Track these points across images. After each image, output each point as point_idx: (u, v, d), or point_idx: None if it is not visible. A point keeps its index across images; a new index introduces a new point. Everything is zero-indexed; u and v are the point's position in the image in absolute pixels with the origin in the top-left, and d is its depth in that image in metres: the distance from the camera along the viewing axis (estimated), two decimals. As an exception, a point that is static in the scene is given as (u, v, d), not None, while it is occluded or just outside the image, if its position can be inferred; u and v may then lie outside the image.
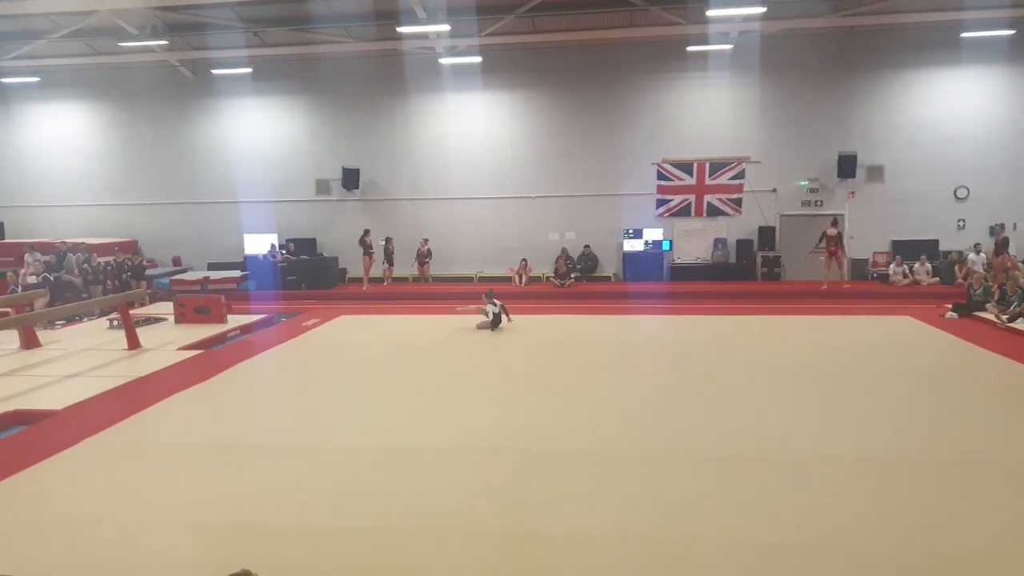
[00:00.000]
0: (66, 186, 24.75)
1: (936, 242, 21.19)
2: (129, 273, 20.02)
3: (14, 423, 8.99)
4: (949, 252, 20.52)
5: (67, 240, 21.46)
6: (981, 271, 17.60)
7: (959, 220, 21.35)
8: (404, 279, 22.82)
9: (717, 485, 6.67)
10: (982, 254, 19.33)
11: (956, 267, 19.68)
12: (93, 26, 20.59)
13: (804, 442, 7.78)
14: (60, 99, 24.51)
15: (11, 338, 13.49)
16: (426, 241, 22.40)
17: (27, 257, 19.59)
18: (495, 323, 14.71)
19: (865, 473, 6.90)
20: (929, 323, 14.76)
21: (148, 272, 21.12)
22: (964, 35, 20.24)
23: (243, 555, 5.47)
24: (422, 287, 22.02)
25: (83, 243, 21.06)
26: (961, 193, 21.27)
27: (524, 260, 21.88)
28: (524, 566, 5.35)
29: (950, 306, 15.92)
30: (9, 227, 24.53)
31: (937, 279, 20.04)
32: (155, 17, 20.69)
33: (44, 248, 20.53)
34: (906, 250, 20.74)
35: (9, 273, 19.03)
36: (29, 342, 13.23)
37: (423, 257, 22.26)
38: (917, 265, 20.31)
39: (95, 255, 20.50)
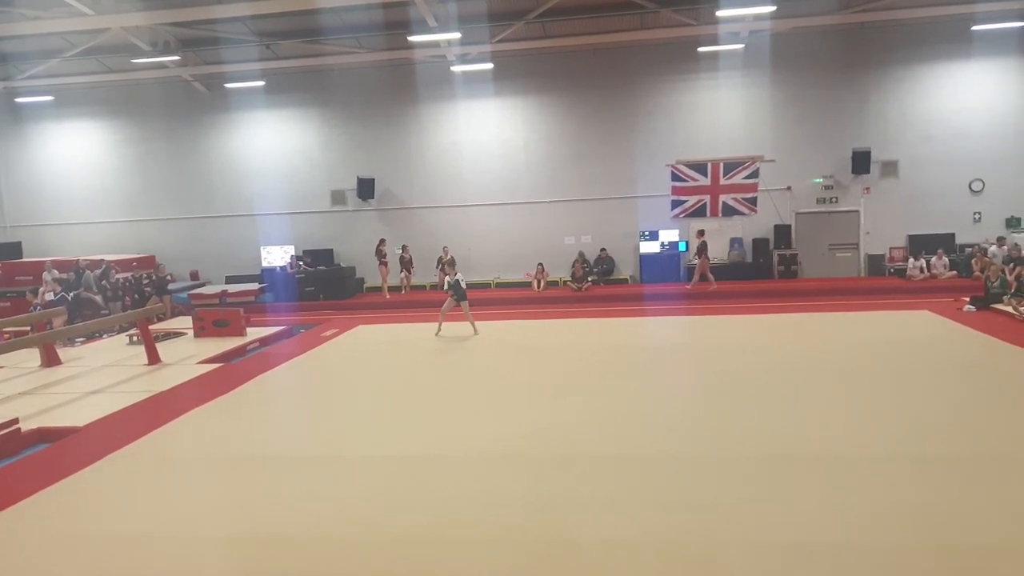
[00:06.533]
0: (82, 203, 24.92)
1: (952, 236, 21.08)
2: (150, 288, 20.13)
3: (38, 441, 9.05)
4: (967, 246, 20.45)
5: (86, 257, 21.59)
6: (999, 264, 17.48)
7: (975, 213, 21.19)
8: (422, 287, 22.83)
9: (742, 485, 6.64)
10: (1005, 247, 19.16)
11: (973, 260, 19.56)
12: (106, 44, 20.75)
13: (828, 440, 7.74)
14: (74, 117, 24.69)
15: (32, 356, 13.57)
16: (447, 250, 22.36)
17: (45, 275, 19.73)
18: (457, 294, 15.00)
19: (889, 469, 6.86)
20: (947, 317, 14.71)
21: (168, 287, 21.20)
22: (975, 28, 20.10)
23: (269, 566, 5.50)
24: (440, 295, 21.87)
25: (103, 260, 21.18)
26: (976, 186, 21.12)
27: (540, 265, 21.88)
28: (554, 571, 5.34)
29: (968, 299, 15.84)
30: (27, 246, 24.70)
31: (955, 273, 19.97)
32: (167, 33, 20.81)
33: (62, 266, 20.67)
34: (923, 244, 20.68)
35: (28, 292, 19.14)
36: (50, 360, 13.31)
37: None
38: (934, 259, 20.25)
39: (115, 271, 20.63)
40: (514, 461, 7.54)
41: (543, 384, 10.85)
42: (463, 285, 15.23)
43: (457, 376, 11.93)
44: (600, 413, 9.13)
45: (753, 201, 21.33)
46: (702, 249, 20.58)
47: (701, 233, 20.86)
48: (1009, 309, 14.57)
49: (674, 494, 6.53)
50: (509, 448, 7.94)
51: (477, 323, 15.37)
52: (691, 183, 21.39)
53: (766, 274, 21.75)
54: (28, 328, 15.20)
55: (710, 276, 20.46)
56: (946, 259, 20.27)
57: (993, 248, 19.27)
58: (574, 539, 5.77)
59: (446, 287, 15.56)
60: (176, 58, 21.62)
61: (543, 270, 21.88)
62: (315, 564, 5.53)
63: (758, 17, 19.34)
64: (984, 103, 20.94)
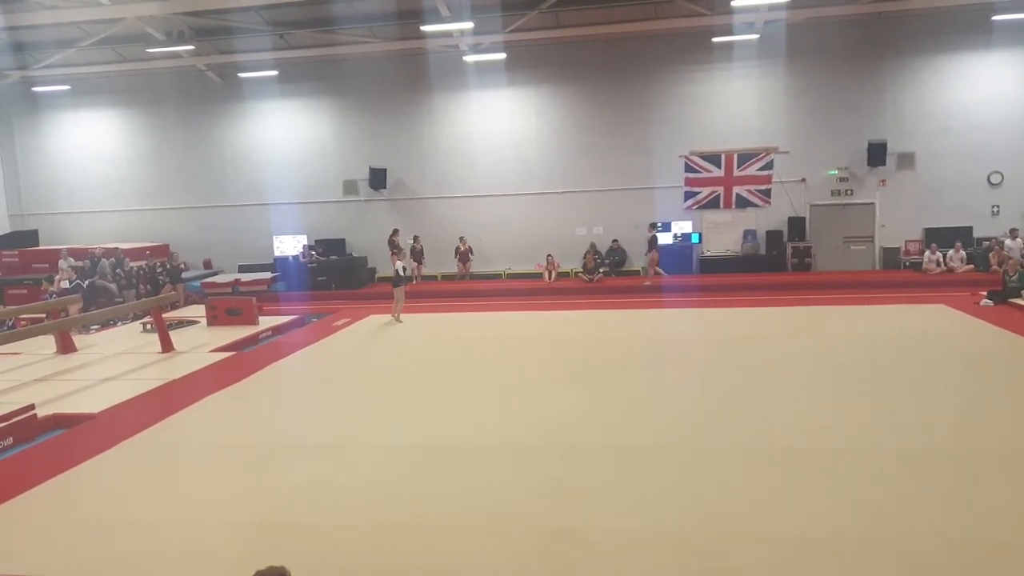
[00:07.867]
0: (97, 192, 25.01)
1: (970, 229, 20.87)
2: (164, 277, 20.20)
3: (53, 427, 9.13)
4: (986, 239, 20.23)
5: (101, 245, 21.68)
6: (1018, 257, 17.32)
7: (993, 206, 20.99)
8: (433, 277, 22.84)
9: (751, 477, 6.63)
10: (1019, 239, 18.98)
11: (991, 254, 19.39)
12: (121, 33, 20.81)
13: (838, 433, 7.71)
14: (90, 106, 24.76)
15: (47, 343, 13.65)
16: (464, 239, 22.42)
17: (61, 263, 19.84)
18: (398, 281, 16.16)
19: (900, 463, 6.83)
20: (964, 311, 14.59)
21: (181, 275, 21.27)
22: (995, 18, 19.88)
23: (279, 553, 5.48)
24: (451, 285, 21.98)
25: (117, 248, 21.27)
26: (995, 179, 20.91)
27: (549, 256, 21.79)
28: (562, 561, 5.34)
29: (985, 293, 15.73)
30: (43, 234, 24.83)
31: (972, 266, 19.75)
32: (181, 23, 20.83)
33: (77, 254, 20.76)
34: (939, 237, 20.46)
35: (44, 280, 19.25)
36: (65, 347, 13.40)
37: (464, 255, 22.33)
38: (951, 252, 20.02)
39: (127, 259, 20.72)
40: (521, 451, 7.55)
41: (552, 375, 10.85)
42: (403, 274, 16.63)
43: (466, 366, 11.93)
44: (609, 404, 9.14)
45: (767, 193, 21.18)
46: (653, 242, 20.90)
47: (652, 227, 21.19)
48: (1027, 303, 14.48)
49: (682, 485, 6.53)
50: (516, 438, 7.95)
51: (487, 314, 15.42)
52: (704, 174, 21.25)
53: (779, 267, 21.59)
54: (44, 315, 15.29)
55: (659, 270, 20.92)
56: (963, 252, 20.04)
57: (1008, 241, 19.08)
58: (580, 528, 5.78)
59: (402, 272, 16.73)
60: (190, 48, 21.66)
61: (554, 261, 21.80)
62: (324, 551, 5.55)
63: (773, 7, 19.22)
64: (1003, 94, 20.69)
